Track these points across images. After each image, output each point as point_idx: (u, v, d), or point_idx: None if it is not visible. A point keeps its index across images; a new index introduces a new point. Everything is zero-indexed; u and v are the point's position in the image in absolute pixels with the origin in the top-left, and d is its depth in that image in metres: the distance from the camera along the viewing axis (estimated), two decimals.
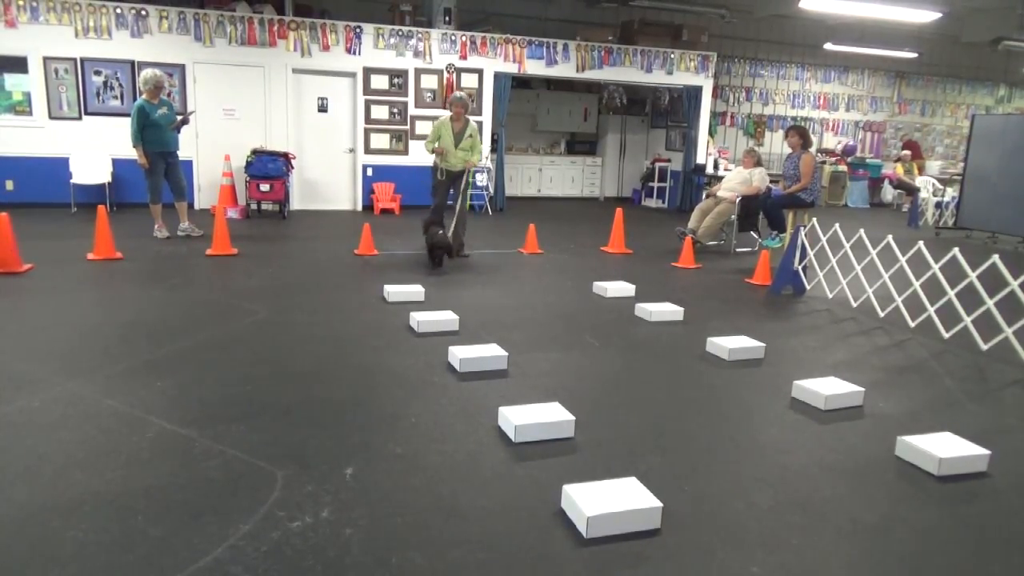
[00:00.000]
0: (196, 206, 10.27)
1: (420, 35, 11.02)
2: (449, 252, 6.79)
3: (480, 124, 11.58)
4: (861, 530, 2.64)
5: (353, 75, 10.85)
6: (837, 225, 6.30)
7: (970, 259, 5.12)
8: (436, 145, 7.28)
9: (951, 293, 5.20)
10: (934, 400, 4.09)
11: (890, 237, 5.66)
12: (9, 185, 9.59)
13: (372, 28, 10.76)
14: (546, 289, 6.42)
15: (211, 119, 10.27)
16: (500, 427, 3.35)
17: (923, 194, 13.23)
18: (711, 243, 8.88)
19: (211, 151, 10.29)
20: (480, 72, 11.45)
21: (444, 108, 11.33)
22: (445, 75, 11.25)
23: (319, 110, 10.91)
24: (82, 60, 9.56)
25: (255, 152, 9.85)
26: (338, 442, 3.13)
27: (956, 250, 5.11)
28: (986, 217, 10.86)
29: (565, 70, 12.05)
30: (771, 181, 9.17)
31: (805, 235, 6.41)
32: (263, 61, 10.33)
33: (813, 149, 9.59)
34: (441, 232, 6.78)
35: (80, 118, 9.72)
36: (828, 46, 14.59)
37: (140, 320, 4.89)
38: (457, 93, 7.43)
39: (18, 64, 9.38)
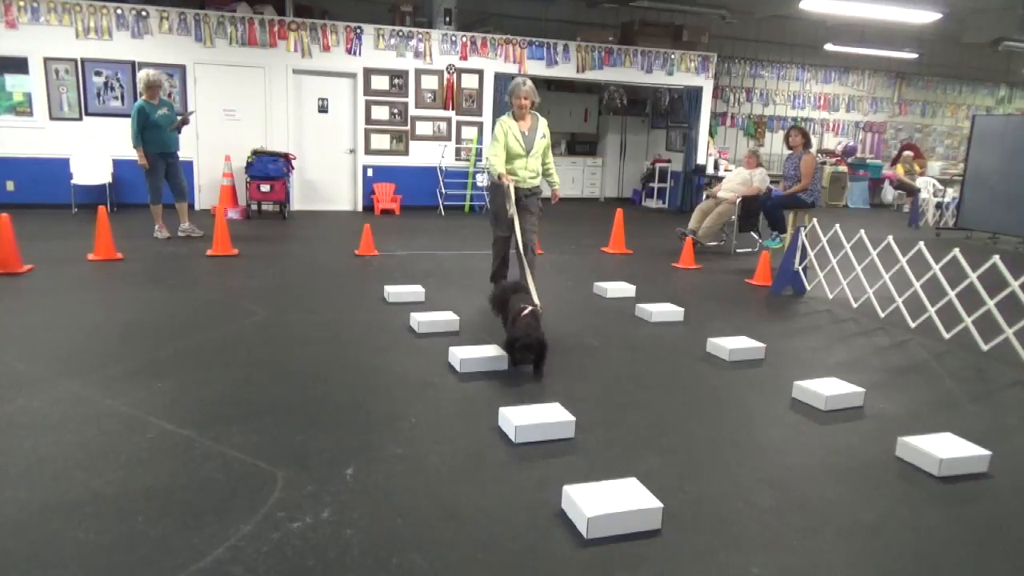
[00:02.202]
0: (196, 207, 10.28)
1: (420, 36, 11.02)
2: (544, 350, 4.00)
3: (481, 125, 11.60)
4: (861, 530, 2.64)
5: (353, 76, 10.85)
6: (837, 226, 6.30)
7: (970, 260, 5.12)
8: (503, 168, 5.31)
9: (951, 294, 5.20)
10: (935, 401, 4.09)
11: (890, 238, 5.66)
12: (10, 186, 9.59)
13: (372, 29, 10.77)
14: (546, 289, 6.41)
15: (211, 120, 10.27)
16: (500, 428, 3.34)
17: (923, 195, 13.23)
18: (711, 244, 8.89)
19: (211, 152, 10.29)
20: (480, 73, 11.45)
21: (445, 108, 11.45)
22: (445, 76, 11.26)
23: (319, 111, 10.92)
24: (83, 61, 9.57)
25: (255, 153, 9.86)
26: (338, 443, 3.13)
27: (956, 251, 5.11)
28: (986, 218, 10.86)
29: (565, 71, 12.05)
30: (771, 182, 9.17)
31: (805, 236, 6.41)
32: (263, 62, 10.33)
33: (813, 150, 9.59)
34: (527, 312, 4.06)
35: (81, 119, 9.73)
36: (828, 47, 14.58)
37: (140, 321, 4.89)
38: (520, 78, 5.39)
39: (19, 65, 9.39)
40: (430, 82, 11.23)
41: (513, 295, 4.45)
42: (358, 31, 10.68)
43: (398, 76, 11.04)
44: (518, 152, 5.37)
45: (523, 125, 5.39)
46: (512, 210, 5.28)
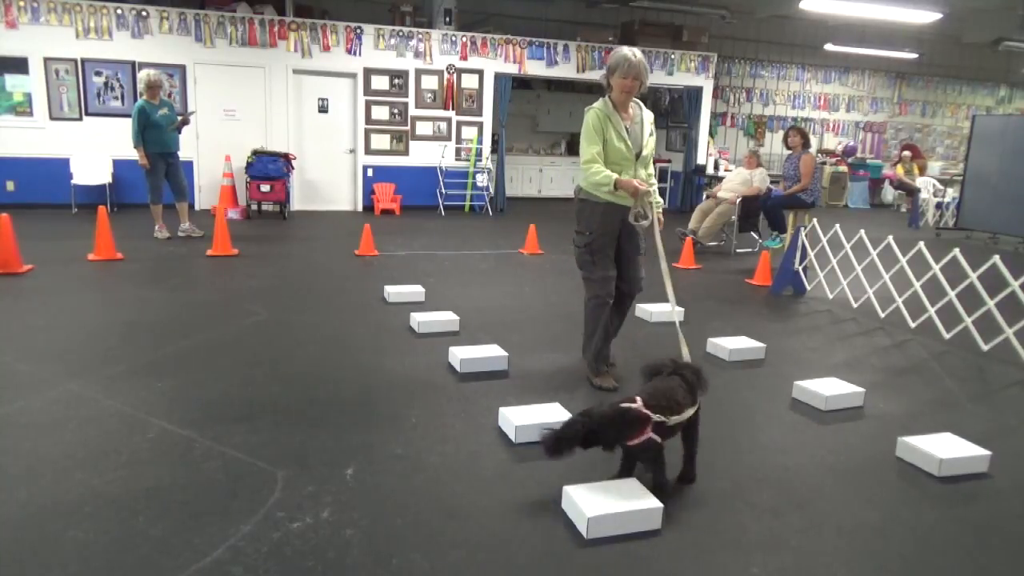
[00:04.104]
0: (197, 207, 10.27)
1: (420, 36, 11.02)
2: (664, 489, 2.72)
3: (481, 125, 11.59)
4: (861, 530, 2.64)
5: (353, 76, 10.85)
6: (837, 226, 6.30)
7: (970, 260, 5.12)
8: (607, 172, 3.67)
9: (952, 294, 5.20)
10: (935, 401, 4.08)
11: (890, 238, 5.66)
12: (10, 186, 9.59)
13: (372, 29, 10.77)
14: (546, 289, 6.42)
15: (212, 120, 10.27)
16: (500, 428, 3.34)
17: (923, 195, 13.23)
18: (711, 244, 8.88)
19: (212, 152, 10.29)
20: (480, 73, 11.45)
21: (445, 108, 11.44)
22: (445, 76, 11.26)
23: (319, 111, 10.92)
24: (83, 61, 9.57)
25: (255, 153, 9.86)
26: (338, 443, 3.13)
27: (956, 251, 5.11)
28: (986, 218, 10.86)
29: (566, 71, 12.05)
30: (771, 182, 9.18)
31: (805, 236, 6.41)
32: (263, 62, 10.33)
33: (813, 149, 9.59)
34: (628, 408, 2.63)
35: (81, 119, 9.72)
36: (828, 47, 14.58)
37: (140, 321, 4.89)
38: (627, 50, 3.69)
39: (19, 65, 9.38)
40: (430, 82, 11.22)
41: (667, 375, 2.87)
42: (358, 31, 10.68)
43: (398, 76, 11.04)
44: (622, 155, 3.73)
45: (626, 117, 3.79)
46: (651, 220, 3.72)
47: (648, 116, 3.90)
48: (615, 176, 3.66)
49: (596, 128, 3.70)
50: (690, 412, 2.76)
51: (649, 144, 3.84)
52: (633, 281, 3.99)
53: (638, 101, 3.89)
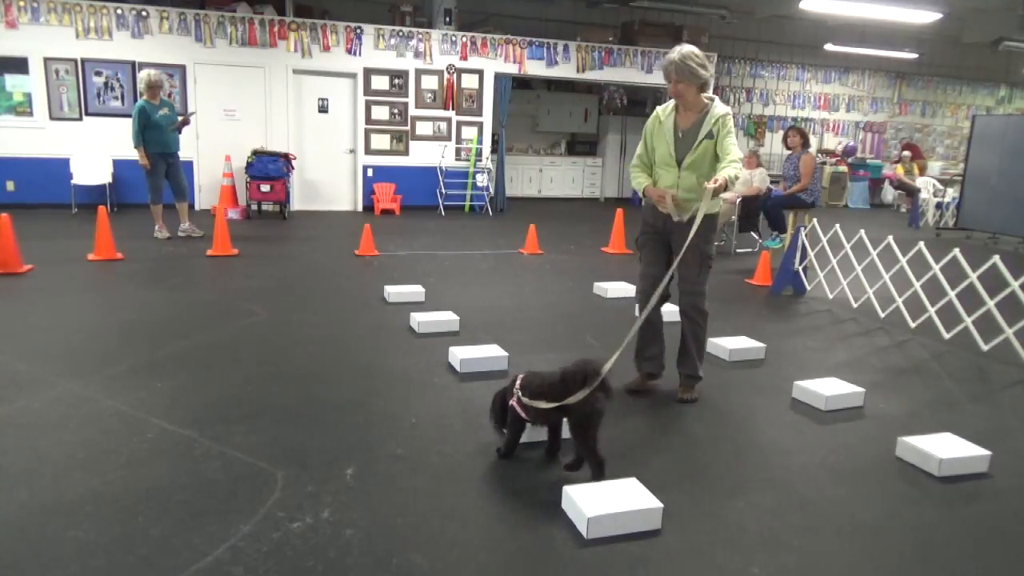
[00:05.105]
0: (197, 207, 10.28)
1: (420, 36, 11.02)
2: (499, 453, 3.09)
3: (481, 125, 11.59)
4: (861, 530, 2.64)
5: (353, 76, 10.85)
6: (837, 226, 6.30)
7: (970, 260, 5.12)
8: (640, 179, 3.83)
9: (952, 294, 5.20)
10: (935, 401, 4.08)
11: (890, 238, 5.66)
12: (10, 186, 9.59)
13: (372, 29, 10.77)
14: (546, 289, 6.42)
15: (212, 120, 10.27)
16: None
17: (923, 195, 13.23)
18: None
19: (212, 152, 10.29)
20: (480, 73, 11.45)
21: (445, 108, 11.44)
22: (445, 76, 11.26)
23: (319, 111, 10.92)
24: (83, 61, 9.57)
25: (255, 153, 9.86)
26: (338, 443, 3.13)
27: (956, 251, 5.11)
28: (986, 218, 10.86)
29: (566, 71, 12.05)
30: (772, 182, 9.18)
31: (805, 236, 6.41)
32: (263, 62, 10.33)
33: (813, 149, 9.59)
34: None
35: (81, 119, 9.73)
36: (829, 47, 14.58)
37: (140, 321, 4.89)
38: (675, 49, 3.57)
39: (19, 65, 9.38)
40: (430, 82, 11.23)
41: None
42: (358, 31, 10.68)
43: (398, 76, 11.04)
44: (665, 161, 3.69)
45: (683, 119, 3.67)
46: (655, 225, 3.77)
47: (712, 117, 3.56)
48: (646, 184, 3.78)
49: (646, 131, 3.85)
50: (543, 405, 2.84)
51: (703, 149, 3.56)
52: (683, 281, 3.72)
53: (713, 98, 3.65)
